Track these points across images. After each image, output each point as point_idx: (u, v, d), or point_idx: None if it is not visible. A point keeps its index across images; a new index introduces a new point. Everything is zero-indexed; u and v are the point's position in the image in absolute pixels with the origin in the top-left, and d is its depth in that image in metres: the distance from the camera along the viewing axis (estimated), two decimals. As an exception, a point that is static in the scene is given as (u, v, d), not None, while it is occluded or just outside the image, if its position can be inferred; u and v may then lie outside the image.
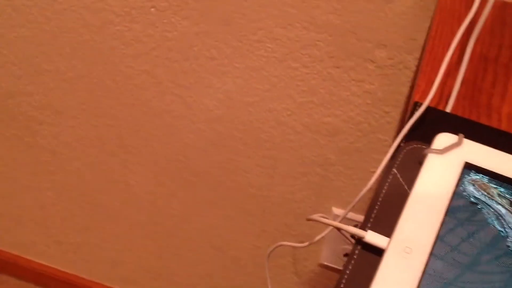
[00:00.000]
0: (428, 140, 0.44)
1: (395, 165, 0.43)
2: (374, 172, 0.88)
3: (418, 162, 0.43)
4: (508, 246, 0.37)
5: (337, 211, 0.95)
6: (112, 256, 1.28)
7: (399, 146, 0.45)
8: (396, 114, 0.79)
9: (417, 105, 0.47)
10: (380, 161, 0.86)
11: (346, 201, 0.94)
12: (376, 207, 0.40)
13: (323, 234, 0.45)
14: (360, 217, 0.91)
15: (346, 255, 1.01)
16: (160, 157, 1.00)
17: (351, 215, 0.93)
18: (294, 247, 0.97)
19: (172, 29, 0.81)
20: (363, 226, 0.40)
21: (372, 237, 0.38)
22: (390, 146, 0.83)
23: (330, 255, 1.03)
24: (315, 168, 0.90)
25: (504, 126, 0.48)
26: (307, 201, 0.95)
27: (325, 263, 1.04)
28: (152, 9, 0.80)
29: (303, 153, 0.88)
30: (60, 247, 1.32)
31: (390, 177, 0.42)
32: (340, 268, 1.04)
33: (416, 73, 0.74)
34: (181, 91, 0.88)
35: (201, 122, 0.91)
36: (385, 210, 0.40)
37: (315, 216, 0.40)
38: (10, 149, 1.12)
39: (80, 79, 0.93)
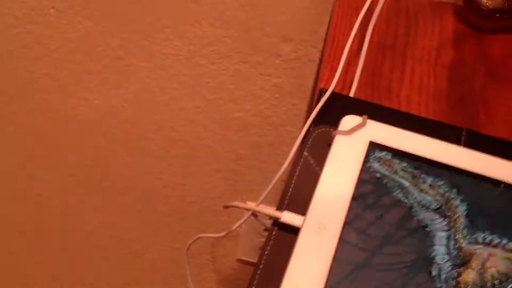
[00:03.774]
0: (335, 124, 0.46)
1: (306, 149, 0.44)
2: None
3: (327, 145, 0.44)
4: (412, 215, 0.40)
5: (252, 204, 0.97)
6: (23, 271, 1.22)
7: (308, 130, 0.46)
8: (303, 106, 0.81)
9: (322, 91, 0.49)
10: (290, 152, 0.89)
11: (260, 194, 0.95)
12: (290, 189, 0.42)
13: (241, 221, 0.46)
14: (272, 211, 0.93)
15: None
16: (68, 163, 0.97)
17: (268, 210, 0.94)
18: (213, 240, 0.98)
19: (73, 30, 0.79)
20: (279, 208, 0.41)
21: (288, 217, 0.39)
22: (298, 137, 0.86)
23: (247, 250, 1.04)
24: (228, 164, 0.91)
25: (403, 108, 0.51)
26: (222, 197, 0.96)
27: (243, 258, 1.05)
28: (52, 10, 0.77)
29: (216, 150, 0.89)
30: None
31: (302, 160, 0.44)
32: (258, 262, 1.06)
33: (320, 65, 0.77)
34: (86, 93, 0.86)
35: (110, 125, 0.89)
36: (298, 191, 0.42)
37: (233, 203, 0.41)
38: None
39: (-24, 85, 0.89)
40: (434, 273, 0.38)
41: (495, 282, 0.37)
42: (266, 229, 0.99)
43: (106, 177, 0.97)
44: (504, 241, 0.39)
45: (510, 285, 0.37)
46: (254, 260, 1.06)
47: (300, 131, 0.85)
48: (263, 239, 1.02)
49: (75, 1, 0.75)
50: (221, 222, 1.01)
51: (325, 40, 0.75)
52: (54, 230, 1.10)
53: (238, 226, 0.46)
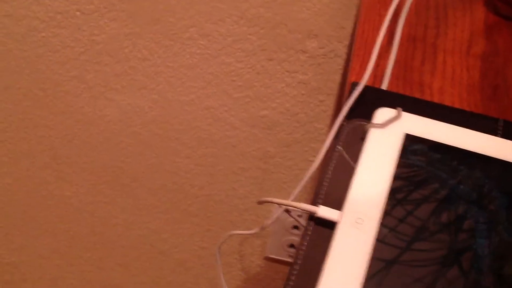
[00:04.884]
0: (368, 117, 0.46)
1: (339, 143, 0.44)
2: (313, 161, 0.90)
3: (361, 138, 0.44)
4: (450, 208, 0.39)
5: (285, 200, 0.96)
6: (52, 272, 1.23)
7: (341, 125, 0.46)
8: (330, 102, 0.81)
9: (354, 84, 0.49)
10: (318, 149, 0.88)
11: (288, 192, 0.95)
12: (325, 183, 0.41)
13: (275, 216, 0.45)
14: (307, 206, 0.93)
15: (291, 246, 1.03)
16: (96, 165, 0.98)
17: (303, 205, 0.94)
18: (240, 238, 0.97)
19: (100, 32, 0.79)
20: (314, 203, 0.41)
21: (325, 212, 0.39)
22: (327, 134, 0.85)
23: (275, 248, 1.04)
24: (255, 162, 0.91)
25: (436, 100, 0.50)
26: (250, 196, 0.96)
27: (271, 256, 1.05)
28: (78, 13, 0.78)
29: (243, 148, 0.89)
30: (-5, 270, 1.26)
31: (336, 154, 0.43)
32: (286, 259, 1.06)
33: (347, 60, 0.76)
34: (114, 95, 0.86)
35: (137, 125, 0.90)
36: (333, 185, 0.41)
37: (267, 198, 0.41)
38: None
39: (5, 90, 0.89)
40: (475, 266, 0.37)
41: (540, 274, 0.37)
42: (295, 227, 0.99)
43: (134, 177, 0.98)
44: (547, 233, 0.38)
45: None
46: (283, 258, 1.06)
47: (328, 127, 0.85)
48: (291, 237, 1.01)
49: (101, 4, 0.76)
50: (249, 221, 1.00)
51: (352, 34, 0.74)
52: (83, 231, 1.11)
53: (271, 222, 0.46)
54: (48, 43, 0.82)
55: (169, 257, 1.12)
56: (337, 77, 0.78)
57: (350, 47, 0.75)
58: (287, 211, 0.47)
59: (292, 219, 0.96)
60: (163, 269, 1.15)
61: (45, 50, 0.83)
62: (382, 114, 0.44)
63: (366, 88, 0.49)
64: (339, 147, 0.44)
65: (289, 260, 1.05)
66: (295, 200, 0.92)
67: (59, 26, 0.80)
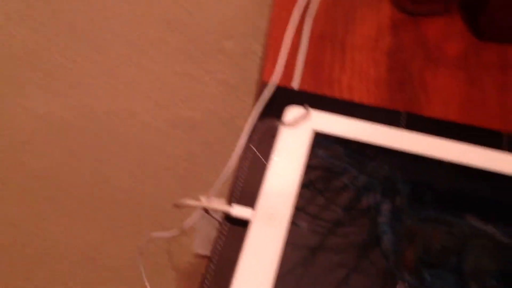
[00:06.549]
0: (280, 116, 0.47)
1: (252, 142, 0.45)
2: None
3: (272, 137, 0.45)
4: (359, 199, 0.41)
5: (202, 201, 0.97)
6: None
7: (254, 124, 0.47)
8: (250, 100, 0.82)
9: (266, 85, 0.50)
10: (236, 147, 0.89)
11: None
12: (239, 183, 0.42)
13: (191, 219, 0.46)
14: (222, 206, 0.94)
15: (221, 244, 1.04)
16: (18, 178, 0.95)
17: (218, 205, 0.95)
18: (166, 239, 0.97)
19: (13, 41, 0.77)
20: (229, 202, 0.42)
21: (238, 211, 0.40)
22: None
23: (203, 244, 1.04)
24: (180, 163, 0.91)
25: (346, 96, 0.52)
26: (176, 196, 0.96)
27: (200, 252, 1.05)
28: (-13, 17, 0.76)
29: (167, 150, 0.89)
30: None
31: (249, 153, 0.44)
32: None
33: (263, 59, 0.78)
34: (34, 105, 0.84)
35: (60, 136, 0.88)
36: (248, 184, 0.42)
37: (181, 201, 0.41)
38: None
39: None
40: (383, 252, 0.39)
41: (440, 256, 0.39)
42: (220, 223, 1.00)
43: (60, 188, 0.95)
44: (447, 217, 0.41)
45: (454, 259, 0.39)
46: (213, 255, 1.07)
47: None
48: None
49: (13, 14, 0.74)
50: (178, 221, 1.00)
51: (267, 34, 0.75)
52: (7, 242, 1.08)
53: (189, 224, 0.46)
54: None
55: (98, 263, 1.10)
56: (255, 75, 0.79)
57: (265, 45, 0.77)
58: (206, 210, 0.48)
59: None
60: (93, 276, 1.13)
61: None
62: (292, 112, 0.45)
63: (277, 88, 0.50)
64: (252, 147, 0.45)
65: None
66: (217, 196, 0.93)
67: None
